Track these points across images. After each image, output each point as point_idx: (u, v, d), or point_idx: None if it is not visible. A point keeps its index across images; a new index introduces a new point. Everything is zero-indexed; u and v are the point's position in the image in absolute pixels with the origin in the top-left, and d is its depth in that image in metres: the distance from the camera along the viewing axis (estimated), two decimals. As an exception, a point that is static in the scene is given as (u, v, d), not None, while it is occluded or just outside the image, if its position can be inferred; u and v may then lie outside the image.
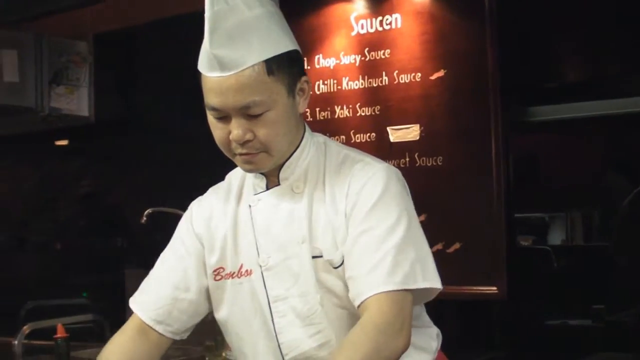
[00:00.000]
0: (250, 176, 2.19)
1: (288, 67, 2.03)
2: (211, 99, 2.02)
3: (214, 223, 2.22)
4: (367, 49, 4.38)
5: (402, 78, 4.27)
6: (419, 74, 4.24)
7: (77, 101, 5.10)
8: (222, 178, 4.42)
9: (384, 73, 4.33)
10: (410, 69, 4.26)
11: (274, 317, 2.10)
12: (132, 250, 5.20)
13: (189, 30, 5.36)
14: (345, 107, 4.44)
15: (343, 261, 2.04)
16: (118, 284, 5.07)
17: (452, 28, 4.19)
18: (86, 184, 5.65)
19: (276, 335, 2.11)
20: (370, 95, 4.40)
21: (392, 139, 4.31)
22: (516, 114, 4.34)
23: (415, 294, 2.01)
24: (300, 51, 2.11)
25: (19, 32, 4.94)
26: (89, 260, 5.36)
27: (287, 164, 2.12)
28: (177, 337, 2.27)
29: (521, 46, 4.34)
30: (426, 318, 2.22)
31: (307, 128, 2.18)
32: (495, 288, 3.93)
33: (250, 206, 2.16)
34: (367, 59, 4.37)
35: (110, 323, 5.02)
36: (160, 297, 2.24)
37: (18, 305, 5.42)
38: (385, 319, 1.95)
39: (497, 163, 4.02)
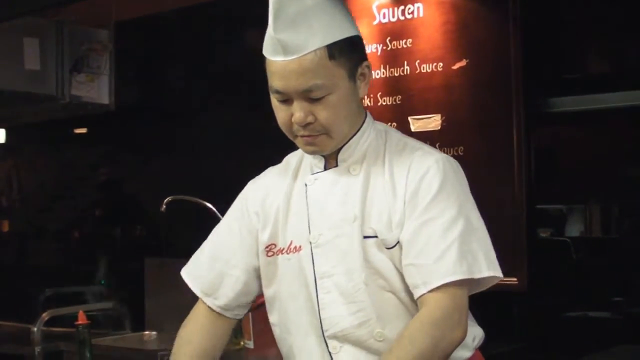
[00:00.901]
0: (308, 157, 2.25)
1: (349, 52, 2.09)
2: (275, 82, 2.09)
3: (268, 201, 2.28)
4: (388, 38, 4.37)
5: (423, 68, 4.26)
6: (441, 64, 4.24)
7: (97, 89, 5.11)
8: (242, 166, 4.41)
9: (405, 62, 4.32)
10: (432, 58, 4.25)
11: (318, 293, 2.15)
12: (151, 239, 5.20)
13: (210, 18, 5.40)
14: (366, 97, 4.42)
15: (397, 244, 2.08)
16: (137, 272, 5.09)
17: (475, 18, 4.17)
18: (106, 172, 5.66)
19: (319, 311, 2.15)
20: (392, 85, 4.39)
21: (413, 128, 4.30)
22: (538, 105, 4.32)
23: (474, 283, 2.07)
24: (362, 37, 2.16)
25: (41, 19, 4.96)
26: (108, 248, 5.38)
27: (346, 146, 2.18)
28: (229, 315, 2.33)
29: (544, 37, 4.32)
30: (471, 316, 2.23)
31: (369, 114, 2.24)
32: (515, 279, 3.92)
33: (306, 185, 2.22)
34: (388, 49, 4.36)
35: (129, 311, 5.05)
36: (207, 269, 2.33)
37: (37, 292, 5.45)
38: (444, 313, 2.01)
39: (518, 154, 4.01)
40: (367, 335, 2.11)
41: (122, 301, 5.09)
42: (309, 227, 2.18)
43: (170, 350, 4.12)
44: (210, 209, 4.65)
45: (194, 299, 4.86)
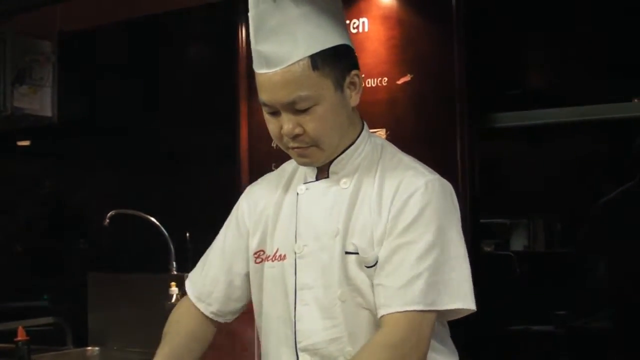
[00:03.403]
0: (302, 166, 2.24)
1: (334, 62, 2.06)
2: (261, 94, 2.08)
3: (260, 207, 2.29)
4: (334, 52, 4.37)
5: (368, 82, 4.26)
6: (386, 79, 4.25)
7: (40, 101, 5.03)
8: (187, 180, 4.36)
9: (349, 77, 4.32)
10: (377, 73, 4.26)
11: (297, 304, 2.14)
12: (94, 253, 5.15)
13: (155, 32, 5.35)
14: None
15: (376, 263, 2.06)
16: (80, 287, 5.02)
17: (420, 33, 4.20)
18: (49, 185, 5.58)
19: (295, 322, 2.14)
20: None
21: (358, 143, 4.29)
22: (481, 120, 4.35)
23: (443, 312, 2.04)
24: (352, 45, 2.14)
25: (-18, 31, 4.88)
26: (51, 263, 5.30)
27: (338, 158, 2.16)
28: (221, 320, 2.38)
29: (488, 52, 4.36)
30: (450, 342, 2.24)
31: (366, 127, 2.22)
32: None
33: (297, 194, 2.22)
34: (334, 63, 4.36)
35: (72, 326, 4.97)
36: (204, 276, 2.37)
37: (-23, 307, 5.35)
38: (401, 337, 1.99)
39: (462, 168, 4.03)
40: (338, 352, 2.10)
41: (64, 316, 5.01)
42: (295, 236, 2.17)
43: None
44: (154, 222, 4.62)
45: (136, 314, 4.82)
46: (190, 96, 5.00)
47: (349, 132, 2.16)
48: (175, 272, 4.52)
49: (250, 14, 2.07)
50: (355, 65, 2.15)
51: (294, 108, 2.05)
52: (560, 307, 4.94)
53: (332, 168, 2.17)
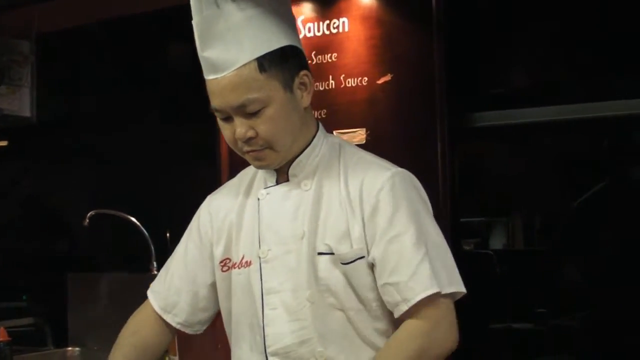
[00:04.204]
0: (262, 171, 2.24)
1: (281, 63, 2.06)
2: (213, 100, 2.08)
3: (221, 216, 2.28)
4: (314, 52, 4.37)
5: (348, 82, 4.27)
6: (366, 78, 4.25)
7: (19, 101, 5.01)
8: (166, 179, 4.34)
9: (330, 77, 4.33)
10: (357, 72, 4.27)
11: (264, 308, 2.14)
12: (74, 253, 5.13)
13: (132, 31, 5.33)
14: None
15: (355, 260, 2.07)
16: (60, 287, 5.00)
17: (399, 33, 4.20)
18: (27, 185, 5.55)
19: (263, 327, 2.14)
20: (317, 99, 4.32)
21: (338, 142, 4.30)
22: (461, 119, 4.36)
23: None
24: (300, 46, 2.14)
25: (-40, 31, 4.86)
26: (30, 264, 5.28)
27: (296, 161, 2.17)
28: (189, 331, 2.37)
29: (468, 52, 4.37)
30: None
31: (321, 127, 2.23)
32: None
33: (258, 199, 2.21)
34: (314, 62, 4.35)
35: (51, 327, 4.95)
36: (168, 287, 2.35)
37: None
38: (432, 322, 2.01)
39: (442, 167, 4.04)
40: (309, 354, 2.10)
41: (44, 317, 4.99)
42: (259, 242, 2.17)
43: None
44: (134, 222, 4.61)
45: (117, 314, 4.78)
46: (171, 95, 4.98)
47: (303, 132, 2.17)
48: (156, 272, 4.51)
49: (194, 21, 2.08)
50: (305, 66, 2.16)
51: (245, 111, 2.05)
52: (540, 304, 4.95)
53: (290, 171, 2.18)
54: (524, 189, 5.17)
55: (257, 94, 2.03)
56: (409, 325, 2.02)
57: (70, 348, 4.85)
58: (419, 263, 2.02)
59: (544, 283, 4.93)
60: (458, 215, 4.23)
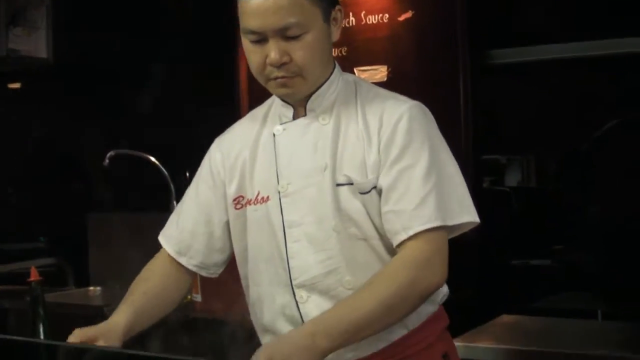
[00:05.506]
0: (276, 108, 2.27)
1: None
2: (250, 22, 2.08)
3: (233, 154, 2.29)
4: (334, -11, 4.34)
5: (369, 19, 4.24)
6: (387, 15, 4.23)
7: (35, 43, 5.01)
8: (184, 119, 4.29)
9: (351, 14, 4.30)
10: (377, 9, 4.24)
11: (287, 241, 2.16)
12: (94, 194, 5.14)
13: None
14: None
15: (372, 189, 2.10)
16: (80, 228, 5.02)
17: (420, -31, 4.16)
18: (43, 128, 5.54)
19: (287, 260, 2.16)
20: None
21: (359, 80, 4.29)
22: (483, 57, 4.33)
23: (451, 228, 2.11)
24: None
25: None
26: (50, 205, 5.29)
27: (315, 95, 2.18)
28: (205, 273, 2.39)
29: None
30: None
31: (337, 64, 2.26)
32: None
33: (274, 135, 2.22)
34: None
35: (73, 267, 4.99)
36: (181, 230, 2.36)
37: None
38: (425, 256, 2.04)
39: (465, 105, 4.03)
40: (336, 283, 2.12)
41: (64, 257, 5.03)
42: (277, 177, 2.18)
43: (114, 305, 4.10)
44: (154, 162, 4.62)
45: (137, 254, 4.81)
46: (190, 32, 4.94)
47: (326, 67, 2.20)
48: (175, 212, 4.53)
49: None
50: (338, 1, 2.19)
51: (285, 35, 2.07)
52: (558, 242, 4.96)
53: (309, 105, 2.20)
54: (542, 126, 5.15)
55: (301, 18, 2.05)
56: (404, 255, 2.05)
57: (91, 288, 4.91)
58: (426, 194, 2.05)
59: (561, 221, 4.93)
60: (479, 154, 4.23)
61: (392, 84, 4.18)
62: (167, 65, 4.86)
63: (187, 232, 2.35)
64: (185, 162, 4.50)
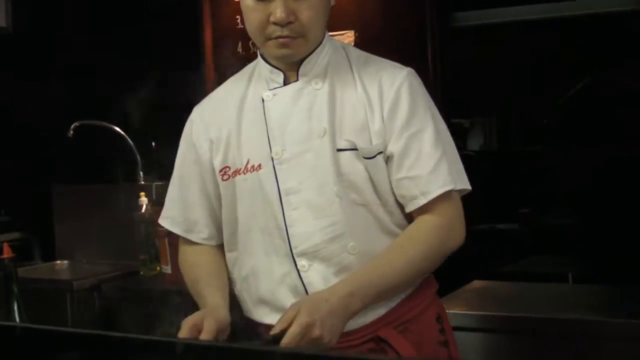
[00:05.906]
0: (261, 73, 2.23)
1: None
2: None
3: (217, 124, 2.25)
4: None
5: (335, -17, 4.19)
6: (353, -20, 4.17)
7: (-6, 12, 4.91)
8: (148, 87, 4.19)
9: (317, -22, 4.24)
10: (344, -27, 4.18)
11: (285, 210, 2.13)
12: (58, 165, 5.06)
13: None
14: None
15: (377, 154, 2.10)
16: (44, 200, 4.95)
17: None
18: (5, 96, 5.44)
19: (286, 229, 2.13)
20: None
21: (325, 45, 4.24)
22: (449, 19, 4.31)
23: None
24: None
25: None
26: (12, 177, 5.20)
27: (307, 59, 2.17)
28: (214, 242, 2.34)
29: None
30: None
31: (326, 30, 2.24)
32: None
33: (263, 100, 2.19)
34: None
35: (39, 240, 4.91)
36: (183, 208, 2.33)
37: None
38: (447, 218, 2.10)
39: (433, 69, 4.01)
40: (340, 249, 2.11)
41: (30, 231, 4.95)
42: (269, 143, 2.15)
43: (82, 279, 4.04)
44: (119, 132, 4.56)
45: (104, 225, 4.75)
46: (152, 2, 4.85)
47: (324, 30, 2.21)
48: (142, 182, 4.48)
49: None
50: None
51: None
52: (525, 204, 4.98)
53: (301, 70, 2.17)
54: (507, 89, 5.15)
55: None
56: (427, 219, 2.09)
57: (58, 262, 4.84)
58: (438, 159, 2.08)
59: (528, 183, 4.94)
60: (450, 117, 4.22)
61: (359, 49, 4.14)
62: (129, 30, 4.78)
63: (189, 208, 2.33)
64: (150, 131, 4.46)
